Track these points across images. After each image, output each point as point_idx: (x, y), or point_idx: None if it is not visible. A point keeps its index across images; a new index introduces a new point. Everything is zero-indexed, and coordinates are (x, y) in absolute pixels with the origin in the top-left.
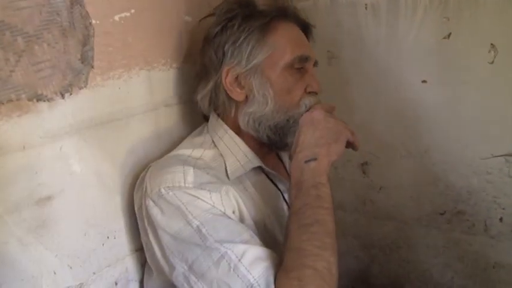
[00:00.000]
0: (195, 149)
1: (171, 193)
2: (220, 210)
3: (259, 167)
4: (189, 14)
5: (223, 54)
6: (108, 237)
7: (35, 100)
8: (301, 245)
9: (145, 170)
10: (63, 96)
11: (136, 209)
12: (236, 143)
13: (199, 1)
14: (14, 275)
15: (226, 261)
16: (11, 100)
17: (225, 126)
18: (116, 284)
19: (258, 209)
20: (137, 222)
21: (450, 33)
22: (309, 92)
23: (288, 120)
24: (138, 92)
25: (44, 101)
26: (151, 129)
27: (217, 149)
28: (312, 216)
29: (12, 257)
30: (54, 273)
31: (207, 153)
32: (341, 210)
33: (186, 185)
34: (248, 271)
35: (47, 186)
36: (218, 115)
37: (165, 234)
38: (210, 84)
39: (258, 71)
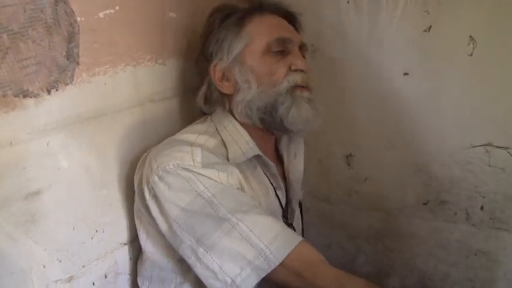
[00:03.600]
0: (199, 136)
1: (180, 169)
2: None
3: (259, 160)
4: (173, 10)
5: (211, 55)
6: (96, 231)
7: (21, 96)
8: None
9: (146, 153)
10: (49, 92)
11: (135, 187)
12: (239, 132)
13: None
14: (4, 269)
15: (238, 231)
16: None
17: (231, 117)
18: (106, 276)
19: (256, 199)
20: (125, 216)
21: (430, 26)
22: (294, 70)
23: (275, 99)
24: (123, 88)
25: (31, 97)
26: (137, 124)
27: (220, 137)
28: None
29: (2, 251)
30: (44, 266)
31: (211, 141)
32: (327, 202)
33: (195, 164)
34: (260, 239)
35: (35, 181)
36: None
37: (173, 208)
38: (205, 86)
39: (239, 62)
